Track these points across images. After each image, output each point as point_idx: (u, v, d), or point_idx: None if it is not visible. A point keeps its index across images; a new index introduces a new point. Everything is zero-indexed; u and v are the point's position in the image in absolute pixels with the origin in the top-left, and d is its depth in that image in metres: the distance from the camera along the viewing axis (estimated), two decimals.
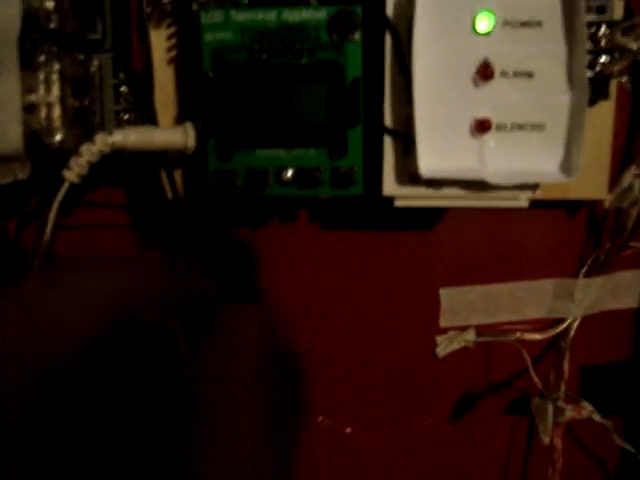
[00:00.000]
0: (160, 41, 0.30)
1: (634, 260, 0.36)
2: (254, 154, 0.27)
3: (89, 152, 0.26)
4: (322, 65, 0.26)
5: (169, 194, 0.31)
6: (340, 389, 0.36)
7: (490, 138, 0.26)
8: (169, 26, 0.30)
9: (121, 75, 0.30)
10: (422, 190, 0.27)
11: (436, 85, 0.25)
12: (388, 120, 0.27)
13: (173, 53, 0.31)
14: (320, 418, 0.37)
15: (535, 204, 0.29)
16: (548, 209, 0.35)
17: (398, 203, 0.27)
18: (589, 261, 0.35)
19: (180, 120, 0.30)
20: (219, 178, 0.27)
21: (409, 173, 0.27)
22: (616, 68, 0.31)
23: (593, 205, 0.35)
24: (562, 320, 0.36)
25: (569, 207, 0.35)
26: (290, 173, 0.27)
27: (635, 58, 0.31)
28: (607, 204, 0.33)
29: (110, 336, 0.19)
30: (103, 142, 0.27)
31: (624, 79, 0.34)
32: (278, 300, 0.35)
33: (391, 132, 0.26)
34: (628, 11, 0.31)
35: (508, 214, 0.35)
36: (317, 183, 0.27)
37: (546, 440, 0.32)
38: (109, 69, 0.30)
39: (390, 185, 0.27)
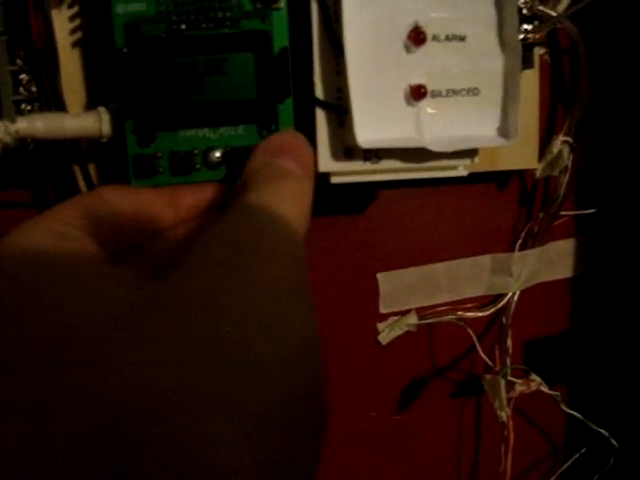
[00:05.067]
0: (61, 23, 0.28)
1: (565, 229, 0.36)
2: (177, 135, 0.25)
3: None
4: (247, 35, 0.24)
5: (83, 189, 0.28)
6: None
7: (426, 104, 0.25)
8: (71, 6, 0.28)
9: (19, 62, 0.27)
10: (359, 164, 0.26)
11: (368, 53, 0.24)
12: (319, 92, 0.25)
13: (77, 35, 0.28)
14: None
15: (465, 179, 0.28)
16: (478, 184, 0.34)
17: (335, 180, 0.26)
18: (523, 233, 0.35)
19: (90, 108, 0.28)
20: (140, 164, 0.25)
21: (344, 147, 0.26)
22: (538, 36, 0.31)
23: (522, 176, 0.35)
24: (501, 296, 0.35)
25: (499, 180, 0.35)
26: (218, 154, 0.25)
27: (554, 26, 0.31)
28: (538, 174, 0.33)
29: None
30: (5, 130, 0.24)
31: (542, 51, 0.34)
32: None
33: (323, 104, 0.25)
34: None
35: (440, 192, 0.35)
36: None
37: (503, 416, 0.31)
38: (4, 53, 0.27)
39: (326, 161, 0.25)
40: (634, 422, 0.37)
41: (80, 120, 0.25)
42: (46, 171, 0.29)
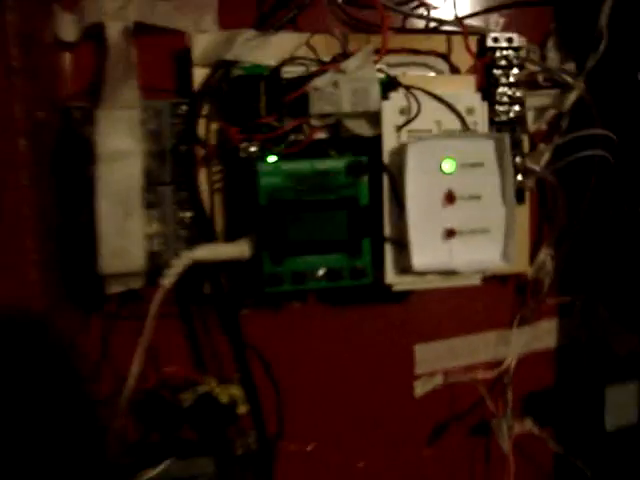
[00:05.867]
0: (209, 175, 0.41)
1: (550, 311, 0.50)
2: (298, 259, 0.38)
3: (179, 265, 0.37)
4: (343, 199, 0.38)
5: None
6: (342, 423, 0.48)
7: (455, 241, 0.39)
8: (215, 164, 0.41)
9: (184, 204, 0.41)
10: (412, 278, 0.39)
11: (419, 207, 0.38)
12: (387, 232, 0.39)
13: (219, 185, 0.42)
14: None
15: None
16: (487, 283, 0.48)
17: (395, 288, 0.40)
18: (518, 316, 0.49)
19: (226, 237, 0.41)
20: (272, 278, 0.38)
21: (402, 267, 0.39)
22: (528, 184, 0.45)
23: (518, 276, 0.49)
24: (503, 361, 0.49)
25: (502, 279, 0.49)
26: (322, 272, 0.38)
27: (540, 177, 0.45)
28: (529, 276, 0.47)
29: None
30: (189, 257, 0.37)
31: (531, 188, 0.48)
32: (292, 357, 0.46)
33: (390, 240, 0.39)
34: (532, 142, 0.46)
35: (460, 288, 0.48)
36: (341, 277, 0.39)
37: (505, 448, 0.44)
38: (172, 199, 0.41)
39: (390, 276, 0.39)
40: (606, 455, 0.50)
41: (233, 248, 0.39)
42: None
